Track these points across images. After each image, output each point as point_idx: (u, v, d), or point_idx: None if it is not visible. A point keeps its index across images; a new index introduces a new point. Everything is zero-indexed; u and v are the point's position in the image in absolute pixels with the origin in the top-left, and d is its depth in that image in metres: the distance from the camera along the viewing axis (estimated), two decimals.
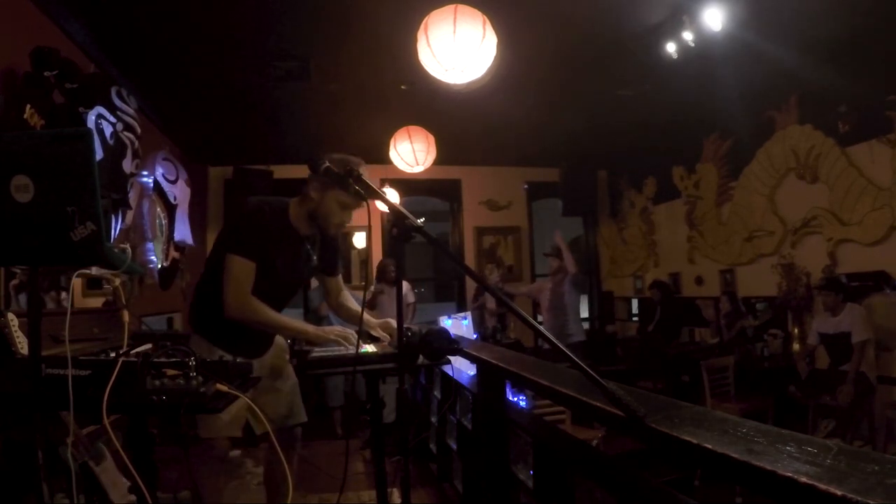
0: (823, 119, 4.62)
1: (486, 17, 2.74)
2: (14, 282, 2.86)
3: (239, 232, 1.94)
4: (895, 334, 4.13)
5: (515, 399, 3.31)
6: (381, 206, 1.62)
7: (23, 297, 2.85)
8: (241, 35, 3.85)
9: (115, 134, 3.58)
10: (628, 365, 6.27)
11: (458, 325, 4.88)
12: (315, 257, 2.12)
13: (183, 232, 5.16)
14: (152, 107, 4.91)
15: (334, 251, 2.28)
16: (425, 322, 5.53)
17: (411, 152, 4.75)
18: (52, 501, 1.93)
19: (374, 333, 2.09)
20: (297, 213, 2.02)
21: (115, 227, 3.81)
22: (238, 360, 1.35)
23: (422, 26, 2.78)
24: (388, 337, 2.04)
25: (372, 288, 5.52)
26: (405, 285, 5.73)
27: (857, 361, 3.93)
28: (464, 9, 2.72)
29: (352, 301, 2.36)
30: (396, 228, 1.38)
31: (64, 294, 3.22)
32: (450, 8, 2.72)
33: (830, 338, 4.17)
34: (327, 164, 1.70)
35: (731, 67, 4.32)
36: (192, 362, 1.15)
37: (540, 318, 6.41)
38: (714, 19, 3.64)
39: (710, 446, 0.81)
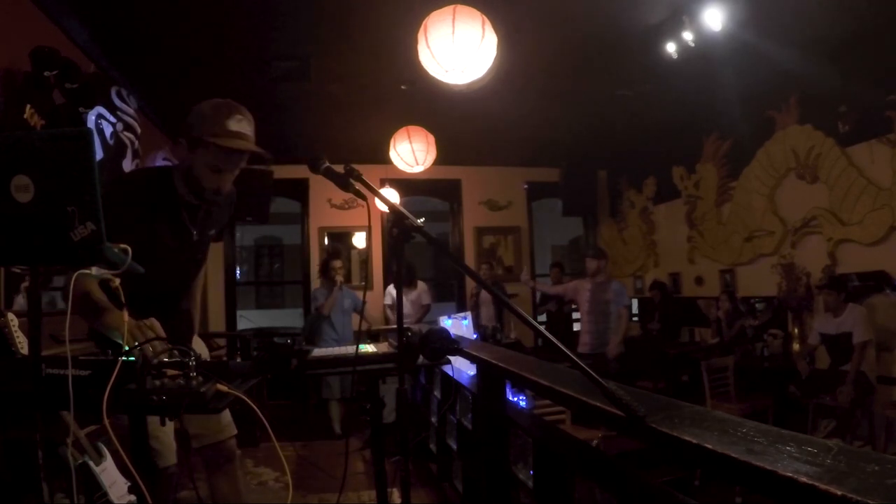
0: (823, 119, 4.62)
1: (485, 18, 2.73)
2: (25, 283, 2.87)
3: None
4: (895, 334, 4.13)
5: (515, 399, 3.30)
6: (382, 206, 1.61)
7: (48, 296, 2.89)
8: (241, 35, 3.86)
9: (115, 134, 3.58)
10: (628, 365, 6.27)
11: (458, 325, 4.88)
12: (195, 230, 1.83)
13: None
14: (152, 107, 4.91)
15: (217, 230, 1.98)
16: (425, 322, 5.54)
17: (411, 152, 4.75)
18: (52, 501, 1.93)
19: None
20: (177, 179, 1.75)
21: None
22: (238, 360, 1.34)
23: (421, 28, 2.78)
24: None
25: (391, 289, 5.54)
26: (422, 286, 5.79)
27: (857, 362, 3.92)
28: (462, 9, 2.71)
29: (199, 295, 2.10)
30: (396, 228, 1.38)
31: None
32: (449, 9, 2.71)
33: (831, 338, 4.17)
34: (327, 163, 1.68)
35: (731, 67, 4.32)
36: (192, 362, 1.15)
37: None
38: (714, 19, 3.64)
39: (710, 446, 0.81)
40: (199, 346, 2.05)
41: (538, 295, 7.09)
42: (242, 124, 1.67)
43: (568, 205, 7.59)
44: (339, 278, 5.07)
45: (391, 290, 5.53)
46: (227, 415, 1.98)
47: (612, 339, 4.86)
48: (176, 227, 1.77)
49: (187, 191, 1.74)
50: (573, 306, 6.76)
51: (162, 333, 1.35)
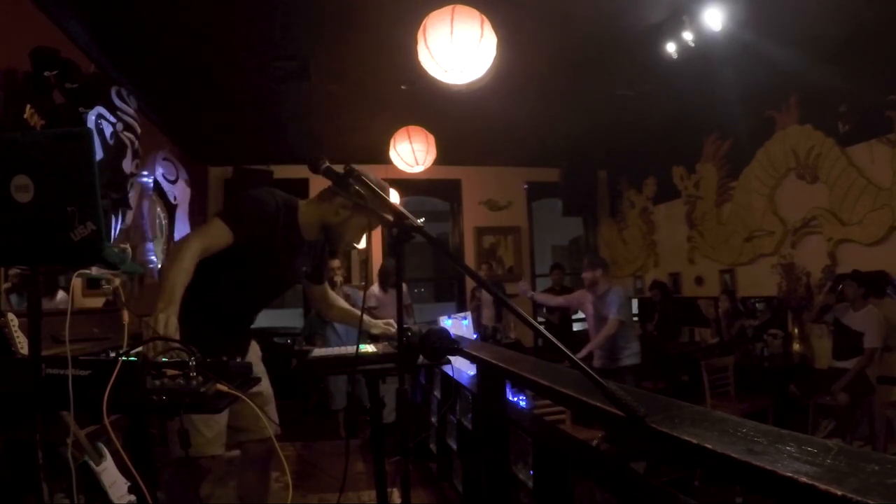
0: (823, 119, 4.62)
1: (484, 17, 2.74)
2: (6, 285, 2.84)
3: (239, 205, 1.78)
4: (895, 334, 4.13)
5: (515, 399, 3.30)
6: None
7: (13, 298, 2.84)
8: (241, 35, 3.86)
9: (115, 134, 3.58)
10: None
11: (458, 325, 4.87)
12: (307, 264, 2.04)
13: (183, 232, 5.16)
14: (152, 107, 4.91)
15: (324, 260, 2.20)
16: (425, 322, 5.52)
17: (411, 152, 4.75)
18: (52, 501, 1.93)
19: (374, 332, 2.07)
20: (308, 218, 1.90)
21: (115, 227, 3.81)
22: (238, 360, 1.34)
23: (421, 27, 2.79)
24: (387, 332, 2.03)
25: (374, 289, 5.44)
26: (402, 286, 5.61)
27: (863, 365, 3.92)
28: (461, 9, 2.72)
29: (341, 300, 2.30)
30: (396, 228, 1.38)
31: (62, 293, 3.22)
32: (447, 9, 2.72)
33: (844, 328, 4.17)
34: (327, 164, 1.68)
35: (731, 67, 4.32)
36: (193, 362, 1.15)
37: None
38: (714, 19, 3.64)
39: (710, 446, 0.81)
40: (254, 349, 2.12)
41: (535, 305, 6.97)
42: None
43: (568, 205, 7.59)
44: (339, 279, 4.97)
45: (374, 290, 5.40)
46: (272, 411, 2.05)
47: (591, 344, 4.51)
48: (294, 255, 1.92)
49: (314, 230, 1.91)
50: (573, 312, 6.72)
51: (173, 334, 1.37)
